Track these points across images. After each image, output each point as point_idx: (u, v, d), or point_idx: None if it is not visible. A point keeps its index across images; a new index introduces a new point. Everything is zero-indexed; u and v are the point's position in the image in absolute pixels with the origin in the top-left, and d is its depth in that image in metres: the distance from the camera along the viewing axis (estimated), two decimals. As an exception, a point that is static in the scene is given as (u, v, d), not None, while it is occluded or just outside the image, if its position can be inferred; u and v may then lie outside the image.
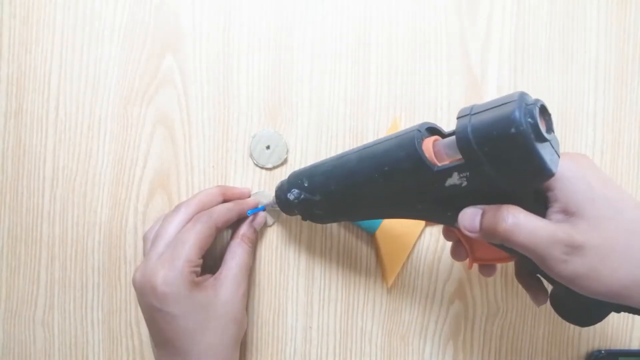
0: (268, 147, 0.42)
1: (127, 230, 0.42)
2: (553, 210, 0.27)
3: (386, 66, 0.43)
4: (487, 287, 0.43)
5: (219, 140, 0.42)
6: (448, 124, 0.42)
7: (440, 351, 0.43)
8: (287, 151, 0.42)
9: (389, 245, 0.41)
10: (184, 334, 0.34)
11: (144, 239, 0.38)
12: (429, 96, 0.43)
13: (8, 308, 0.43)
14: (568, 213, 0.27)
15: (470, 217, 0.28)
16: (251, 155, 0.42)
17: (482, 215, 0.28)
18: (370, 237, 0.42)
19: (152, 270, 0.34)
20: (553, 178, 0.25)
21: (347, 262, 0.43)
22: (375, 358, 0.43)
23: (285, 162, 0.42)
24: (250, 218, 0.40)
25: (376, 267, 0.43)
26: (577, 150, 0.43)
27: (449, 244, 0.37)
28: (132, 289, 0.42)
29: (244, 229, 0.39)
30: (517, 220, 0.26)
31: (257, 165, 0.42)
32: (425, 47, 0.43)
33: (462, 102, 0.43)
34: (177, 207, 0.37)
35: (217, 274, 0.37)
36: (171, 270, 0.33)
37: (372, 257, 0.43)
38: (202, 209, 0.37)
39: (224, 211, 0.37)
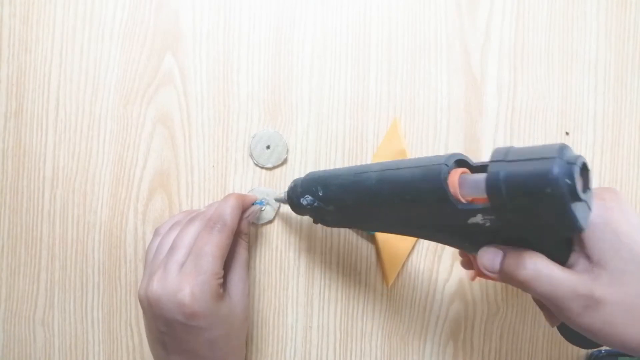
0: (268, 147, 0.42)
1: (127, 230, 0.42)
2: (577, 255, 0.26)
3: (386, 66, 0.43)
4: (487, 287, 0.43)
5: (219, 140, 0.42)
6: (448, 124, 0.43)
7: (440, 351, 0.43)
8: (287, 151, 0.42)
9: (389, 245, 0.41)
10: (209, 344, 0.33)
11: (147, 253, 0.37)
12: (429, 96, 0.43)
13: (8, 308, 0.43)
14: (592, 261, 0.26)
15: (490, 258, 0.27)
16: (251, 155, 0.42)
17: (503, 258, 0.27)
18: (371, 237, 0.42)
19: (177, 285, 0.32)
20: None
21: (347, 262, 0.43)
22: (375, 358, 0.43)
23: (285, 162, 0.42)
24: (245, 214, 0.39)
25: (376, 267, 0.43)
26: (577, 150, 0.43)
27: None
28: (132, 289, 0.42)
29: (241, 226, 0.38)
30: (537, 270, 0.25)
31: (257, 165, 0.42)
32: (425, 47, 0.43)
33: (462, 102, 0.43)
34: (193, 218, 0.36)
35: (226, 278, 0.36)
36: (199, 286, 0.32)
37: (372, 257, 0.43)
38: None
39: (235, 214, 0.36)
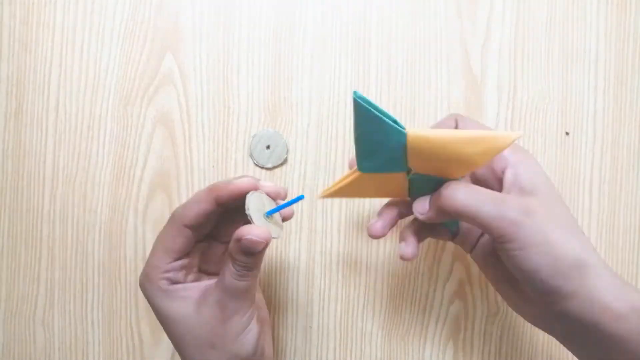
0: (268, 147, 0.42)
1: (127, 230, 0.42)
2: (508, 188, 0.30)
3: (386, 66, 0.43)
4: (487, 287, 0.43)
5: (219, 140, 0.42)
6: (448, 124, 0.43)
7: (440, 351, 0.43)
8: (287, 151, 0.42)
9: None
10: (170, 341, 0.32)
11: None
12: (429, 96, 0.43)
13: (8, 308, 0.43)
14: (525, 193, 0.29)
15: (422, 201, 0.31)
16: (251, 155, 0.42)
17: (431, 196, 0.31)
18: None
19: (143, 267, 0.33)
20: (515, 156, 0.30)
21: (347, 262, 0.43)
22: (375, 358, 0.43)
23: (285, 162, 0.42)
24: (237, 234, 0.29)
25: (376, 267, 0.43)
26: (577, 150, 0.43)
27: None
28: (132, 289, 0.42)
29: (230, 245, 0.30)
30: (470, 192, 0.29)
31: (257, 165, 0.42)
32: (425, 47, 0.43)
33: (462, 102, 0.43)
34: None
35: (211, 285, 0.32)
36: (142, 275, 0.32)
37: (372, 257, 0.43)
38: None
39: (190, 205, 0.31)
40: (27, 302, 0.43)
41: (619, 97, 0.43)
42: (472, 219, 0.28)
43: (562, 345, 0.32)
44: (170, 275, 0.31)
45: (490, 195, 0.28)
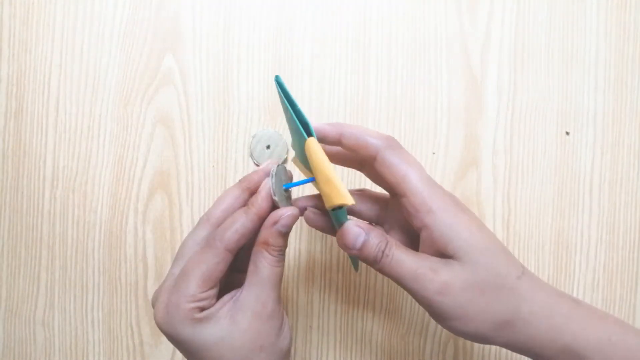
0: (268, 147, 0.42)
1: (127, 230, 0.42)
2: (427, 250, 0.29)
3: (386, 66, 0.43)
4: (487, 287, 0.43)
5: (219, 140, 0.42)
6: (448, 124, 0.43)
7: (441, 351, 0.43)
8: (287, 151, 0.42)
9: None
10: None
11: None
12: (429, 96, 0.43)
13: (8, 308, 0.43)
14: (445, 257, 0.28)
15: (353, 237, 0.29)
16: (251, 155, 0.42)
17: (365, 238, 0.29)
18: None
19: (157, 294, 0.30)
20: (430, 218, 0.28)
21: (347, 262, 0.43)
22: (375, 358, 0.43)
23: (285, 162, 0.42)
24: (271, 219, 0.30)
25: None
26: (577, 150, 0.43)
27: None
28: (132, 289, 0.42)
29: (264, 234, 0.30)
30: (395, 256, 0.28)
31: (257, 165, 0.42)
32: (425, 47, 0.43)
33: (462, 102, 0.43)
34: (200, 220, 0.32)
35: (237, 294, 0.30)
36: (168, 305, 0.29)
37: (372, 257, 0.43)
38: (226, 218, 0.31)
39: (236, 228, 0.29)
40: (27, 302, 0.43)
41: (619, 97, 0.43)
42: (399, 283, 0.29)
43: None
44: (204, 303, 0.29)
45: (409, 269, 0.28)
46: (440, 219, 0.28)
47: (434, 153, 0.43)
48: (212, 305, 0.29)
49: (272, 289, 0.30)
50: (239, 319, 0.29)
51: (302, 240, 0.42)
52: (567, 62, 0.43)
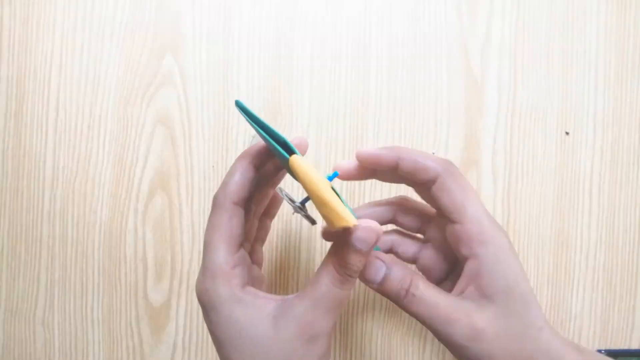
0: (268, 147, 0.42)
1: (127, 230, 0.42)
2: (465, 283, 0.27)
3: (386, 66, 0.43)
4: (487, 287, 0.43)
5: (219, 140, 0.42)
6: (448, 124, 0.43)
7: (441, 351, 0.43)
8: (287, 151, 0.42)
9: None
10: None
11: None
12: (429, 96, 0.43)
13: (8, 308, 0.43)
14: (482, 295, 0.26)
15: (374, 270, 0.27)
16: (251, 155, 0.42)
17: (386, 273, 0.27)
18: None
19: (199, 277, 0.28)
20: (482, 249, 0.26)
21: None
22: (375, 358, 0.43)
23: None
24: (348, 231, 0.25)
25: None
26: (577, 150, 0.43)
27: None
28: (132, 289, 0.42)
29: (334, 257, 0.26)
30: (422, 295, 0.26)
31: (257, 165, 0.42)
32: (425, 47, 0.43)
33: (462, 102, 0.43)
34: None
35: (289, 296, 0.27)
36: (204, 279, 0.27)
37: (372, 257, 0.43)
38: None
39: (231, 181, 0.28)
40: (27, 302, 0.43)
41: (619, 97, 0.43)
42: (425, 324, 0.27)
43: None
44: (239, 271, 0.27)
45: (443, 312, 0.26)
46: (493, 254, 0.26)
47: (434, 153, 0.43)
48: (252, 283, 0.28)
49: (325, 313, 0.26)
50: (280, 325, 0.26)
51: (302, 240, 0.42)
52: (567, 62, 0.43)
